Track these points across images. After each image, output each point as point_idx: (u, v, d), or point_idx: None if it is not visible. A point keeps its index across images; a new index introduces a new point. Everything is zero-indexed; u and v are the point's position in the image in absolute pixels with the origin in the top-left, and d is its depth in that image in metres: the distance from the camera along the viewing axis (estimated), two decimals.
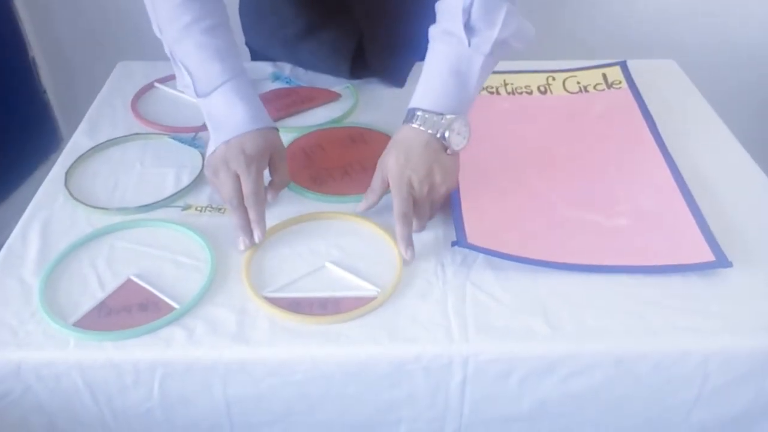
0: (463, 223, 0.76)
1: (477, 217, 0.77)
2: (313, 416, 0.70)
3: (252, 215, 0.76)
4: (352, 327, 0.67)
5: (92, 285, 0.72)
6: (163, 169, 0.88)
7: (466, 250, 0.74)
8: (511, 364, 0.66)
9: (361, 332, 0.67)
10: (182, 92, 0.87)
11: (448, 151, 0.78)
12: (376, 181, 0.79)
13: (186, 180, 0.86)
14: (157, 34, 0.83)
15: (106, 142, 0.92)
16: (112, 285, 0.71)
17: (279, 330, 0.67)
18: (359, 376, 0.66)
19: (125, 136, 0.94)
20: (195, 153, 0.90)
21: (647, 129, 0.94)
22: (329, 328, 0.67)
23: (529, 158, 0.90)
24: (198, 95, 0.80)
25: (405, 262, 0.74)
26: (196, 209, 0.81)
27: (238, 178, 0.76)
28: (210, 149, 0.79)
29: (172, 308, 0.69)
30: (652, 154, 0.90)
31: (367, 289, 0.71)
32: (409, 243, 0.74)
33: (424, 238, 0.78)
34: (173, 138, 0.93)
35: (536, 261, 0.73)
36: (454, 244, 0.73)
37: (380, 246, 0.76)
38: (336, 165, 0.88)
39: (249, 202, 0.76)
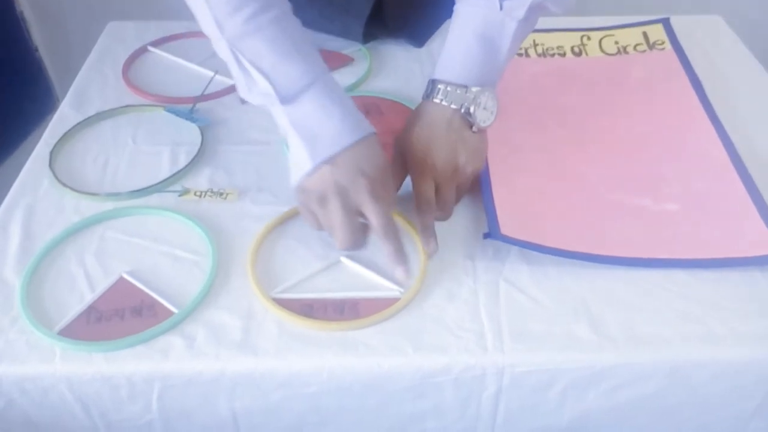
0: (495, 212, 0.67)
1: (510, 204, 0.69)
2: (327, 427, 0.63)
3: (391, 250, 0.63)
4: (371, 334, 0.60)
5: (80, 284, 0.64)
6: (158, 146, 0.80)
7: (498, 242, 0.66)
8: (551, 375, 0.59)
9: (383, 340, 0.59)
10: (244, 101, 0.66)
11: (474, 129, 0.70)
12: (396, 164, 0.70)
13: (183, 160, 0.77)
14: (212, 31, 0.64)
15: (94, 115, 0.84)
16: (102, 284, 0.64)
17: (289, 337, 0.59)
18: (380, 389, 0.59)
19: (116, 108, 0.85)
20: (192, 128, 0.82)
21: (695, 96, 0.84)
22: (346, 335, 0.59)
23: (564, 131, 0.81)
24: (282, 101, 0.62)
25: (428, 256, 0.66)
26: (194, 194, 0.73)
27: (357, 212, 0.62)
28: (300, 169, 0.62)
29: (169, 313, 0.61)
30: (702, 127, 0.80)
31: (388, 288, 0.63)
32: (432, 234, 0.66)
33: (449, 227, 0.69)
34: (169, 110, 0.84)
35: (577, 254, 0.65)
36: (486, 236, 0.65)
37: (402, 237, 0.68)
38: None
39: (388, 234, 0.62)
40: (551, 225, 0.68)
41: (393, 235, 0.62)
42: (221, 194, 0.73)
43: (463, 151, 0.68)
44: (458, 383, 0.59)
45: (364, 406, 0.61)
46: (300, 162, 0.62)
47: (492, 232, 0.65)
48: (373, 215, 0.61)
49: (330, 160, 0.61)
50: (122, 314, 0.61)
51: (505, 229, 0.65)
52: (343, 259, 0.66)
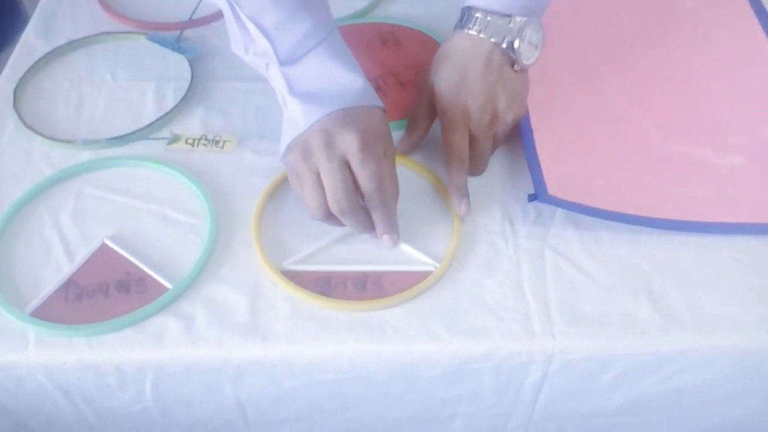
0: (540, 169, 0.57)
1: (555, 159, 0.59)
2: (346, 413, 0.56)
3: (378, 218, 0.53)
4: (399, 315, 0.51)
5: (56, 252, 0.55)
6: (141, 82, 0.68)
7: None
8: (606, 361, 0.51)
9: (413, 322, 0.51)
10: (242, 57, 0.56)
11: (516, 67, 0.59)
12: (421, 109, 0.60)
13: (171, 99, 0.66)
14: None
15: (65, 45, 0.72)
16: (81, 252, 0.54)
17: (304, 318, 0.51)
18: (409, 376, 0.52)
19: (90, 36, 0.73)
20: (180, 60, 0.70)
21: (761, 30, 0.73)
22: (370, 316, 0.51)
23: (609, 68, 0.70)
24: (281, 63, 0.53)
25: (461, 219, 0.57)
26: (186, 142, 0.63)
27: (348, 166, 0.51)
28: (293, 131, 0.53)
29: (162, 288, 0.52)
30: None
31: (418, 260, 0.54)
32: (464, 193, 0.57)
33: (480, 183, 0.60)
34: (152, 39, 0.72)
35: (633, 217, 0.56)
36: (531, 198, 0.55)
37: (429, 197, 0.59)
38: (366, 77, 0.68)
39: (374, 202, 0.52)
40: (601, 182, 0.59)
41: (381, 202, 0.52)
42: (217, 142, 0.63)
43: (503, 94, 0.58)
44: (499, 370, 0.51)
45: (388, 392, 0.53)
46: (293, 123, 0.53)
47: (539, 194, 0.55)
48: (360, 172, 0.50)
49: (327, 116, 0.51)
50: (106, 290, 0.52)
51: (554, 189, 0.56)
52: None
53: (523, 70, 0.60)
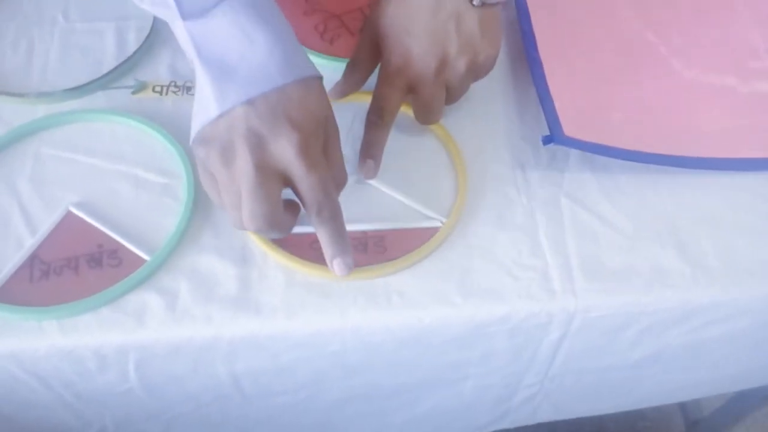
0: (554, 107, 0.52)
1: (568, 95, 0.53)
2: (350, 380, 0.52)
3: (329, 235, 0.43)
4: (406, 278, 0.46)
5: (15, 223, 0.49)
6: (98, 23, 0.60)
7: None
8: (631, 318, 0.47)
9: (422, 286, 0.46)
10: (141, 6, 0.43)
11: (475, 2, 0.48)
12: (362, 50, 0.51)
13: (133, 42, 0.59)
14: None
15: None
16: (45, 223, 0.48)
17: (301, 287, 0.46)
18: (419, 343, 0.47)
19: None
20: None
21: None
22: (374, 283, 0.46)
23: None
24: (184, 16, 0.41)
25: (365, 177, 0.50)
26: (153, 90, 0.56)
27: (280, 178, 0.41)
28: (204, 115, 0.41)
29: (139, 260, 0.46)
30: None
31: (423, 216, 0.49)
32: (374, 153, 0.49)
33: (488, 124, 0.54)
34: None
35: (658, 156, 0.51)
36: (546, 140, 0.50)
37: (430, 146, 0.53)
38: (351, 7, 0.61)
39: (323, 214, 0.42)
40: (619, 118, 0.54)
41: (332, 214, 0.43)
42: (189, 89, 0.56)
43: (455, 36, 0.48)
44: (515, 331, 0.47)
45: (396, 359, 0.49)
46: (204, 105, 0.41)
47: (555, 135, 0.49)
48: (302, 182, 0.41)
49: (248, 103, 0.40)
50: (76, 265, 0.46)
51: (569, 128, 0.50)
52: (363, 180, 0.50)
53: (488, 7, 0.48)
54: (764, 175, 0.51)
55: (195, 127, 0.42)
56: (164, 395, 0.51)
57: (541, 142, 0.50)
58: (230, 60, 0.41)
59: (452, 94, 0.51)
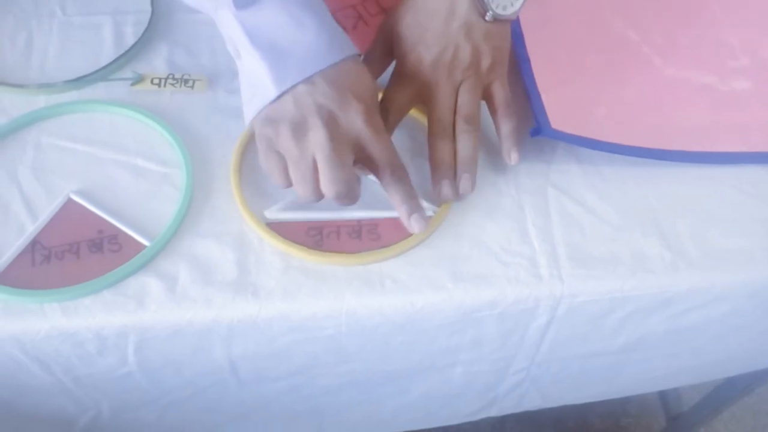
0: (541, 101, 0.54)
1: (555, 89, 0.55)
2: (344, 366, 0.54)
3: (402, 194, 0.46)
4: (399, 264, 0.48)
5: (16, 210, 0.50)
6: (96, 17, 0.61)
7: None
8: (615, 302, 0.49)
9: (414, 272, 0.48)
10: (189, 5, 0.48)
11: (487, 17, 0.49)
12: (376, 52, 0.53)
13: (131, 35, 0.60)
14: None
15: None
16: (45, 209, 0.49)
17: (298, 272, 0.47)
18: (411, 328, 0.49)
19: None
20: None
21: None
22: (369, 268, 0.48)
23: None
24: (236, 5, 0.44)
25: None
26: (152, 82, 0.57)
27: (350, 145, 0.45)
28: (261, 98, 0.44)
29: (139, 246, 0.48)
30: None
31: None
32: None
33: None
34: None
35: (641, 150, 0.53)
36: (534, 132, 0.52)
37: (421, 138, 0.54)
38: (344, 5, 0.63)
39: (396, 174, 0.46)
40: (603, 113, 0.56)
41: (403, 174, 0.46)
42: (186, 81, 0.57)
43: (467, 44, 0.50)
44: (504, 316, 0.49)
45: (389, 344, 0.51)
46: (261, 88, 0.44)
47: (542, 127, 0.52)
48: (373, 146, 0.45)
49: (308, 81, 0.44)
50: (77, 250, 0.48)
51: (555, 121, 0.53)
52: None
53: (499, 22, 0.50)
54: (740, 168, 0.54)
55: (253, 110, 0.45)
56: (162, 379, 0.52)
57: (529, 135, 0.52)
58: (283, 44, 0.44)
59: (462, 108, 0.50)
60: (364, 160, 0.46)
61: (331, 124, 0.43)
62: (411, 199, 0.46)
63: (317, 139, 0.43)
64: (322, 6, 0.46)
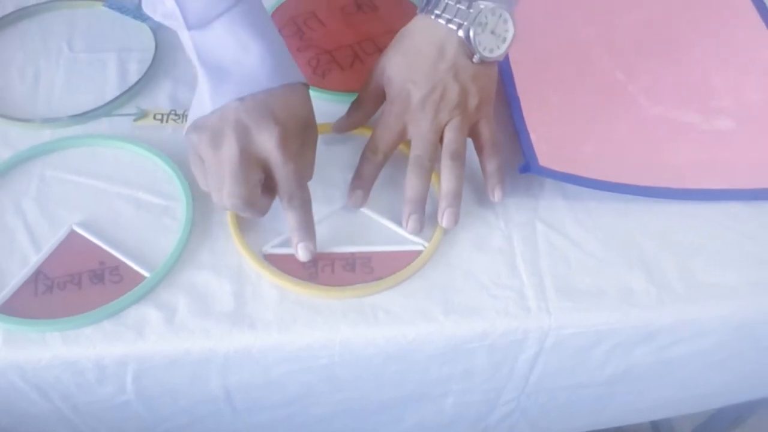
0: (530, 138, 0.56)
1: (543, 127, 0.57)
2: (338, 395, 0.55)
3: (297, 221, 0.49)
4: (392, 297, 0.49)
5: (21, 241, 0.51)
6: (101, 54, 0.64)
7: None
8: (602, 335, 0.51)
9: (407, 304, 0.49)
10: (151, 17, 0.51)
11: (475, 59, 0.52)
12: (367, 93, 0.55)
13: (135, 71, 0.62)
14: None
15: (13, 13, 0.66)
16: (49, 241, 0.51)
17: (293, 304, 0.49)
18: (404, 359, 0.50)
19: (41, 3, 0.67)
20: (143, 28, 0.66)
21: None
22: (362, 301, 0.49)
23: (593, 29, 0.68)
24: (189, 26, 0.47)
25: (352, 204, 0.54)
26: (154, 117, 0.59)
27: (260, 164, 0.47)
28: (199, 110, 0.48)
29: (139, 277, 0.49)
30: (752, 25, 0.69)
31: (406, 239, 0.52)
32: (362, 185, 0.53)
33: (468, 155, 0.57)
34: (110, 6, 0.67)
35: (626, 187, 0.55)
36: (523, 169, 0.54)
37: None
38: (341, 44, 0.65)
39: (294, 202, 0.48)
40: (590, 150, 0.58)
41: (300, 203, 0.48)
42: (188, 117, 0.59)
43: (455, 84, 0.52)
44: (494, 348, 0.50)
45: (382, 374, 0.52)
46: (201, 102, 0.48)
47: (530, 165, 0.53)
48: (278, 170, 0.47)
49: (240, 100, 0.47)
50: (78, 280, 0.49)
51: (543, 158, 0.54)
52: (347, 203, 0.54)
53: (486, 63, 0.53)
54: (724, 204, 0.55)
55: (190, 119, 0.49)
56: (159, 408, 0.53)
57: (518, 171, 0.54)
58: (226, 64, 0.47)
59: (449, 145, 0.52)
60: (271, 183, 0.48)
61: (244, 140, 0.46)
62: (303, 228, 0.49)
63: (228, 151, 0.46)
64: (274, 35, 0.49)
